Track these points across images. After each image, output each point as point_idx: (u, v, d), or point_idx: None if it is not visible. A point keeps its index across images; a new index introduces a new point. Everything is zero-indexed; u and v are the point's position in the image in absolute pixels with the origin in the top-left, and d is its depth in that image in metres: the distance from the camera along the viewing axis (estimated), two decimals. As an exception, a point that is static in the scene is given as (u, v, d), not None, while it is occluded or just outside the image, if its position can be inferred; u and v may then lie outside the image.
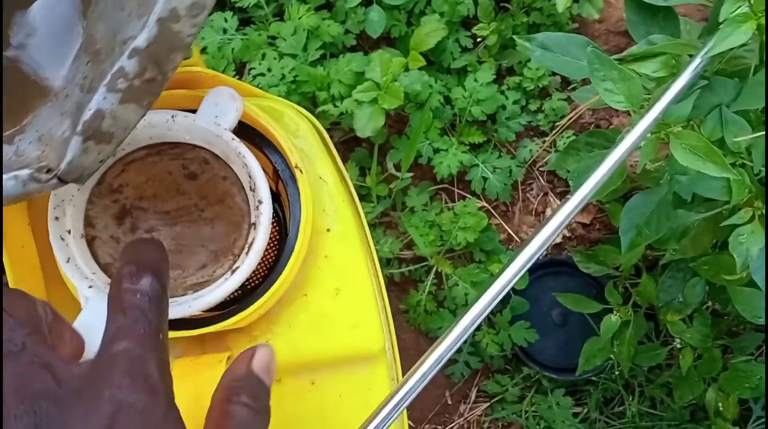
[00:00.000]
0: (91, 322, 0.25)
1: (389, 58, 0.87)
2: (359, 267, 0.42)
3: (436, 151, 0.92)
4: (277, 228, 0.46)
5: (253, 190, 0.36)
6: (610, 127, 0.96)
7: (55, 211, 0.33)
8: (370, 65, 0.86)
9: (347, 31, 0.95)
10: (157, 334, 0.22)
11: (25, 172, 0.23)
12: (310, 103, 0.92)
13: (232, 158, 0.37)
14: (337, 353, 0.41)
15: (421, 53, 0.91)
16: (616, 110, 0.96)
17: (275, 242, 0.45)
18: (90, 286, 0.32)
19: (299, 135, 0.43)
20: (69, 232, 0.33)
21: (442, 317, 0.89)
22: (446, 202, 0.95)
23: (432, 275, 0.90)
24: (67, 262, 0.32)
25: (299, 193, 0.39)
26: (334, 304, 0.41)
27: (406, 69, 0.90)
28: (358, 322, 0.41)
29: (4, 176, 0.23)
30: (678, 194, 0.52)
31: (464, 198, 0.94)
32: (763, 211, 0.51)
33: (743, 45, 0.45)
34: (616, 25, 0.96)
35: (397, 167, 0.92)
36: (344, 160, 0.95)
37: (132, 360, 0.21)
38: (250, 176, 0.36)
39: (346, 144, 0.97)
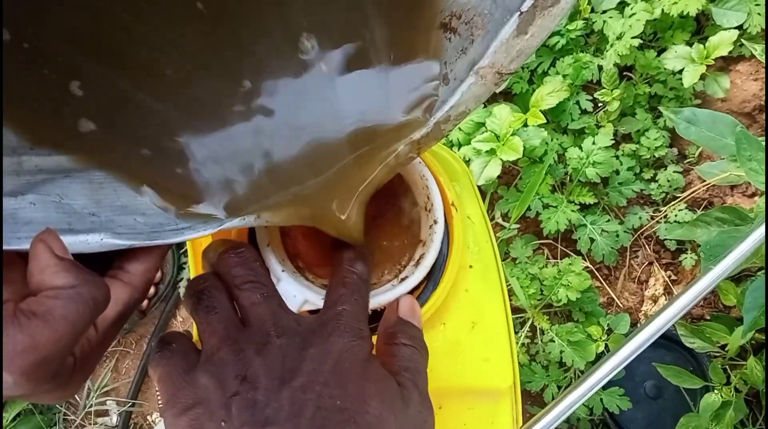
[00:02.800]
0: (283, 294, 0.32)
1: (510, 112, 0.90)
2: (496, 304, 0.45)
3: (546, 206, 0.93)
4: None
5: (428, 210, 0.39)
6: (723, 204, 0.95)
7: None
8: (491, 117, 0.90)
9: (471, 83, 0.99)
10: (365, 303, 0.30)
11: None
12: (428, 146, 0.96)
13: (415, 179, 0.40)
14: (468, 383, 0.43)
15: (540, 111, 0.94)
16: (731, 188, 0.95)
17: None
18: (282, 270, 0.36)
19: (455, 178, 0.47)
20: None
21: (533, 371, 0.89)
22: (548, 258, 0.96)
23: (527, 328, 0.90)
24: (267, 246, 0.37)
25: (450, 230, 0.42)
26: (470, 336, 0.43)
27: (525, 124, 0.93)
28: (491, 356, 0.43)
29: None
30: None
31: (567, 256, 0.95)
32: None
33: None
34: (740, 106, 0.96)
35: (504, 217, 0.94)
36: (453, 205, 0.98)
37: (350, 317, 0.28)
38: (428, 198, 0.39)
39: (456, 189, 1.00)
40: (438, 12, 0.31)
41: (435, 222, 0.40)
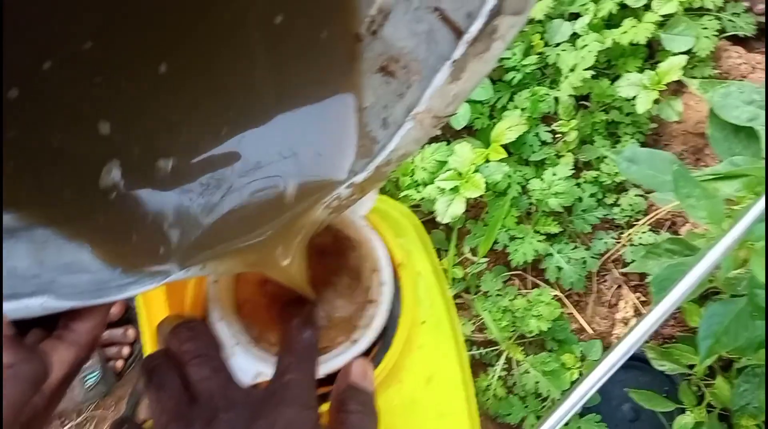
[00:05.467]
0: (236, 368, 0.33)
1: (471, 149, 0.92)
2: (450, 357, 0.46)
3: (512, 238, 0.95)
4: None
5: (377, 271, 0.41)
6: (686, 224, 0.97)
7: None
8: (453, 155, 0.92)
9: (433, 121, 1.02)
10: (312, 370, 0.31)
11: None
12: (394, 186, 0.98)
13: (362, 241, 0.42)
14: (426, 440, 0.44)
15: (501, 145, 0.96)
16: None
17: None
18: (236, 344, 0.37)
19: (403, 233, 0.48)
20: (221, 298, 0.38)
21: (510, 403, 0.90)
22: (519, 289, 0.98)
23: (503, 360, 0.92)
24: (220, 320, 0.38)
25: (400, 288, 0.44)
26: (426, 392, 0.44)
27: (487, 160, 0.95)
28: (447, 412, 0.44)
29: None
30: (757, 306, 0.54)
31: (538, 286, 0.96)
32: None
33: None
34: (695, 127, 0.99)
35: (473, 251, 0.96)
36: (423, 242, 1.00)
37: (297, 387, 0.29)
38: (375, 259, 0.40)
39: (425, 225, 1.02)
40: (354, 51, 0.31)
41: (383, 283, 0.41)
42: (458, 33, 0.26)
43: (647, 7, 1.01)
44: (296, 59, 0.32)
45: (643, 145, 1.01)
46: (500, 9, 0.24)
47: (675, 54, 0.97)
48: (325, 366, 0.38)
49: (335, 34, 0.32)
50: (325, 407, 0.40)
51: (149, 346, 0.44)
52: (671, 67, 0.93)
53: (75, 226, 0.29)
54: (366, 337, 0.39)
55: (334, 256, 0.43)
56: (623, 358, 0.49)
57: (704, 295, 0.88)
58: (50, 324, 0.29)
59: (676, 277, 0.50)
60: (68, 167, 0.29)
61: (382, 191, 0.96)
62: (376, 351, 0.48)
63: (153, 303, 0.45)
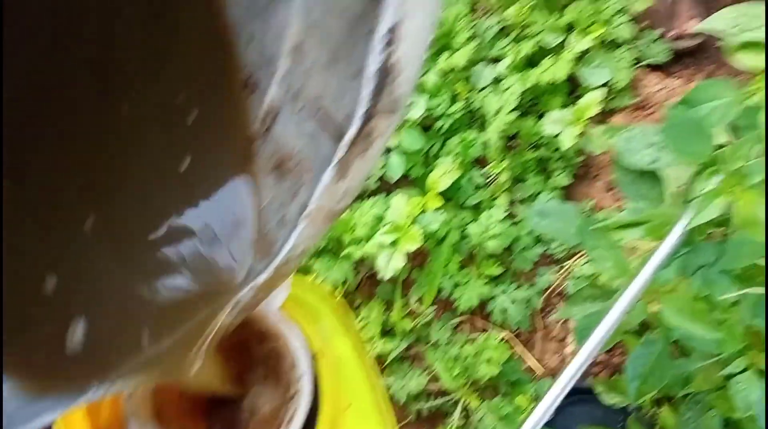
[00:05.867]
0: None
1: (407, 201, 0.93)
2: (377, 438, 0.46)
3: (457, 285, 0.96)
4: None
5: (294, 364, 0.41)
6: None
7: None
8: (390, 209, 0.93)
9: (369, 177, 1.03)
10: None
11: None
12: (336, 243, 0.98)
13: (278, 334, 0.42)
14: None
15: (438, 192, 0.97)
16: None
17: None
18: None
19: (319, 318, 0.49)
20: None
21: (470, 451, 0.90)
22: (470, 334, 0.98)
23: (459, 409, 0.92)
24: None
25: (319, 378, 0.44)
26: (354, 478, 0.44)
27: (425, 209, 0.96)
28: (378, 494, 0.44)
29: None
30: (675, 347, 0.55)
31: (486, 329, 0.97)
32: (762, 365, 0.54)
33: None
34: (622, 156, 1.02)
35: (421, 301, 0.96)
36: (370, 297, 1.00)
37: None
38: (291, 352, 0.41)
39: (371, 279, 1.03)
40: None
41: (301, 375, 0.41)
42: (339, 135, 0.27)
43: (564, 45, 1.04)
44: (196, 161, 0.33)
45: (574, 177, 1.04)
46: (374, 112, 0.24)
47: (594, 88, 1.01)
48: None
49: (230, 134, 0.33)
50: None
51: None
52: (590, 102, 0.96)
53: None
54: None
55: (253, 351, 0.43)
56: (547, 414, 0.49)
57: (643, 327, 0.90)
58: None
59: (594, 325, 0.52)
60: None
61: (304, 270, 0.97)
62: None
63: (73, 423, 0.44)
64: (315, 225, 0.29)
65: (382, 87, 0.23)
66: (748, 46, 0.48)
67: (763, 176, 0.49)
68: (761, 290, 0.52)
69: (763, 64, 0.48)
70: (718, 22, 0.47)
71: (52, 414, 0.29)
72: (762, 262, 0.52)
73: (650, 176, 0.60)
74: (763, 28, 0.47)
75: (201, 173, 0.33)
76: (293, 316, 0.45)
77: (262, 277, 0.30)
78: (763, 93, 0.50)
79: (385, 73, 0.23)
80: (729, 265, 0.51)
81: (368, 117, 0.25)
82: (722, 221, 0.56)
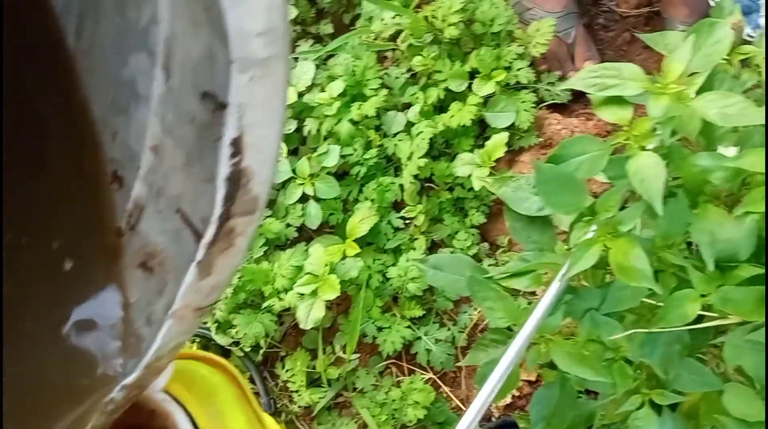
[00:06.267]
0: None
1: (324, 250, 0.94)
2: None
3: (380, 329, 0.97)
4: None
5: None
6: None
7: None
8: (309, 259, 0.94)
9: (288, 225, 1.04)
10: None
11: None
12: (259, 297, 0.98)
13: (166, 415, 0.41)
14: None
15: (358, 238, 0.98)
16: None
17: None
18: None
19: (211, 392, 0.48)
20: None
21: (402, 498, 0.90)
22: (397, 376, 0.99)
23: (388, 455, 0.92)
24: None
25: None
26: None
27: (344, 256, 0.97)
28: None
29: None
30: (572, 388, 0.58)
31: (413, 372, 0.98)
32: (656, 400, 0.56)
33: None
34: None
35: (345, 349, 0.97)
36: (295, 346, 1.00)
37: None
38: None
39: (297, 329, 1.02)
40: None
41: None
42: (198, 236, 0.27)
43: (471, 89, 1.08)
44: (60, 254, 0.33)
45: (489, 215, 1.07)
46: (229, 214, 0.25)
47: (500, 130, 1.05)
48: None
49: (97, 228, 0.33)
50: None
51: None
52: (496, 144, 1.00)
53: None
54: None
55: None
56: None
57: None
58: None
59: (490, 372, 0.53)
60: None
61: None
62: None
63: None
64: (183, 322, 0.29)
65: (235, 191, 0.24)
66: (609, 101, 0.52)
67: (633, 224, 0.52)
68: (646, 330, 0.55)
69: (625, 118, 0.52)
70: (579, 83, 0.51)
71: None
72: (646, 300, 0.55)
73: (540, 222, 0.62)
74: (619, 87, 0.50)
75: (69, 273, 0.33)
76: (181, 393, 0.44)
77: (132, 377, 0.30)
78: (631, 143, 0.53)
79: (236, 179, 0.24)
80: (613, 307, 0.54)
81: (224, 219, 0.25)
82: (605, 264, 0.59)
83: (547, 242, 0.61)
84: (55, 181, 0.35)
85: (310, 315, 0.90)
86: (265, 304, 0.95)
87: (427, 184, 1.08)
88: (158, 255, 0.32)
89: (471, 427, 0.51)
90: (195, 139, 0.28)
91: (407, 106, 1.11)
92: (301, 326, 0.90)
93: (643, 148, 0.51)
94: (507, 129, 1.05)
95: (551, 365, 0.84)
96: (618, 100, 0.53)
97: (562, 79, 1.15)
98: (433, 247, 1.05)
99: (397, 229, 1.04)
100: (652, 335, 0.55)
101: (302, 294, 0.91)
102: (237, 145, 0.23)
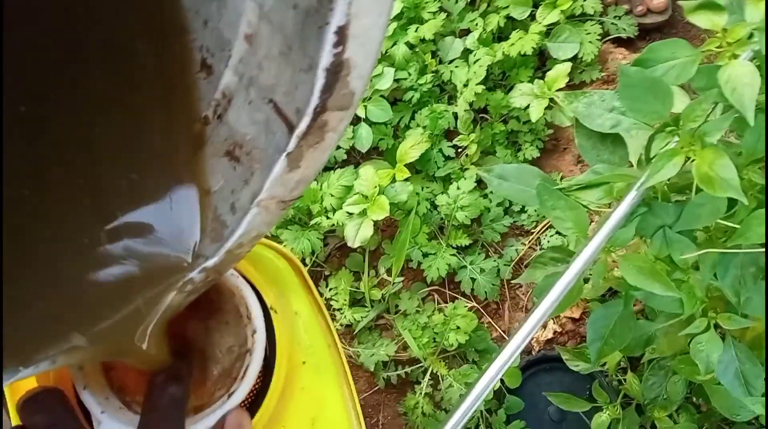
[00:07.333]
0: None
1: (375, 172, 0.93)
2: (334, 397, 0.46)
3: (426, 255, 0.96)
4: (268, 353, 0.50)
5: (249, 319, 0.41)
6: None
7: None
8: (359, 179, 0.93)
9: (338, 147, 1.02)
10: (177, 427, 0.30)
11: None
12: (306, 214, 0.98)
13: (233, 291, 0.41)
14: (313, 483, 0.44)
15: (408, 164, 0.97)
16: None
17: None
18: (102, 412, 0.36)
19: (276, 274, 0.48)
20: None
21: (438, 419, 0.90)
22: (439, 303, 0.99)
23: (428, 377, 0.92)
24: (84, 389, 0.36)
25: (275, 333, 0.43)
26: (310, 434, 0.44)
27: (394, 180, 0.96)
28: (335, 451, 0.45)
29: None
30: (636, 307, 0.56)
31: (455, 299, 0.97)
32: (722, 325, 0.55)
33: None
34: (589, 129, 1.02)
35: (390, 272, 0.97)
36: (339, 267, 1.00)
37: None
38: (247, 308, 0.40)
39: (341, 250, 1.02)
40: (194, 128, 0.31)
41: (256, 330, 0.41)
42: (291, 127, 0.26)
43: (533, 18, 1.04)
44: (146, 141, 0.32)
45: (543, 151, 1.04)
46: (325, 106, 0.24)
47: (562, 61, 1.01)
48: (204, 423, 0.38)
49: (182, 116, 0.32)
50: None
51: (15, 421, 0.43)
52: (558, 75, 0.96)
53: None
54: (242, 389, 0.39)
55: (207, 308, 0.43)
56: (501, 371, 0.50)
57: (615, 292, 0.91)
58: None
59: (552, 286, 0.52)
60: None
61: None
62: (254, 399, 0.48)
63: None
64: (267, 212, 0.29)
65: (333, 83, 0.23)
66: (702, 6, 0.49)
67: (720, 135, 0.49)
68: (721, 250, 0.53)
69: (719, 24, 0.49)
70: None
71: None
72: (721, 221, 0.53)
73: (611, 140, 0.60)
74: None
75: (153, 151, 0.32)
76: (249, 271, 0.44)
77: (213, 261, 0.30)
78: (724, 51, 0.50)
79: (336, 70, 0.23)
80: (688, 225, 0.52)
81: (319, 112, 0.24)
82: (685, 186, 0.57)
83: (618, 162, 0.59)
84: (140, 69, 0.33)
85: (359, 234, 0.89)
86: (312, 222, 0.94)
87: (480, 115, 1.06)
88: (246, 145, 0.31)
89: (531, 334, 0.50)
90: (295, 26, 0.26)
91: (465, 32, 1.07)
92: (349, 244, 0.90)
93: (736, 57, 0.48)
94: (569, 61, 1.01)
95: (601, 300, 0.83)
96: (712, 5, 0.50)
97: (629, 13, 1.10)
98: (481, 180, 1.03)
99: (447, 158, 1.02)
100: (726, 256, 0.53)
101: (351, 213, 0.91)
102: (341, 34, 0.22)
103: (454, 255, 0.96)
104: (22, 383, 0.44)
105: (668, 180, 0.54)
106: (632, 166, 0.59)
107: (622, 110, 0.60)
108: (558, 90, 0.97)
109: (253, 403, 0.43)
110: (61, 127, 0.30)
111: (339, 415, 0.45)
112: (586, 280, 0.62)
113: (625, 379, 0.87)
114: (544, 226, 0.97)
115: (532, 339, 0.96)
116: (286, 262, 0.50)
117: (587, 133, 0.60)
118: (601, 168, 0.55)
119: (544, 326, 0.96)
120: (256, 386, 0.48)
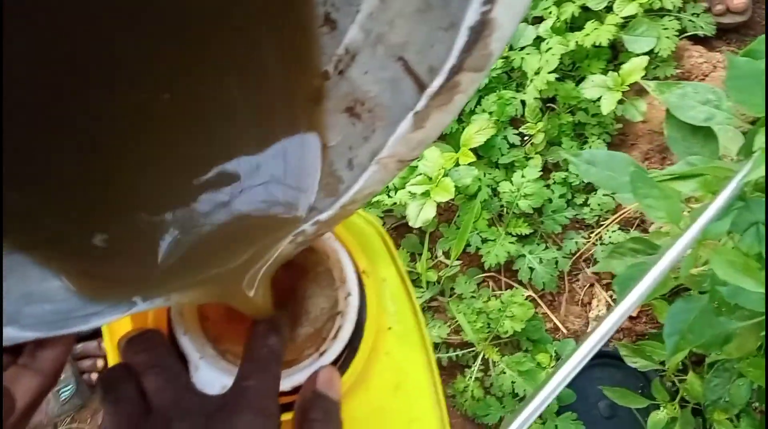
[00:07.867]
0: (203, 382, 0.33)
1: (441, 154, 0.93)
2: (417, 364, 0.46)
3: (484, 240, 0.96)
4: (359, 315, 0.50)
5: (343, 282, 0.41)
6: (654, 222, 0.99)
7: None
8: (423, 161, 0.93)
9: (402, 127, 1.02)
10: (275, 377, 0.30)
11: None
12: (366, 192, 0.98)
13: (328, 253, 0.42)
14: (395, 447, 0.44)
15: (471, 149, 0.96)
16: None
17: None
18: (200, 357, 0.37)
19: (366, 241, 0.49)
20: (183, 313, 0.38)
21: (488, 404, 0.90)
22: (493, 290, 0.98)
23: (479, 361, 0.92)
24: (184, 334, 0.37)
25: (365, 297, 0.44)
26: (394, 399, 0.45)
27: (457, 164, 0.95)
28: (416, 417, 0.45)
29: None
30: (723, 302, 0.55)
31: (511, 287, 0.97)
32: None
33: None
34: (660, 126, 1.01)
35: (447, 255, 0.97)
36: (396, 247, 1.00)
37: (255, 394, 0.29)
38: (341, 271, 0.41)
39: (398, 230, 1.03)
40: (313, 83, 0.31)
41: (349, 293, 0.41)
42: (421, 85, 0.26)
43: (609, 9, 1.02)
44: (266, 93, 0.33)
45: (610, 145, 1.03)
46: (461, 66, 0.24)
47: (637, 55, 0.99)
48: (292, 379, 0.39)
49: (303, 70, 0.32)
50: (288, 416, 0.40)
51: (112, 360, 0.44)
52: (633, 68, 0.95)
53: (50, 252, 0.29)
54: (333, 349, 0.40)
55: (301, 269, 0.44)
56: (586, 358, 0.49)
57: (675, 292, 0.89)
58: (17, 349, 0.29)
59: (638, 276, 0.51)
60: (57, 189, 0.29)
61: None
62: (343, 359, 0.49)
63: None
64: (386, 171, 0.28)
65: (474, 42, 0.23)
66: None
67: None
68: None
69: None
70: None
71: (103, 319, 0.29)
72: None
73: (703, 133, 0.59)
74: None
75: (273, 105, 0.33)
76: (344, 235, 0.45)
77: (326, 214, 0.30)
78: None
79: (479, 29, 0.22)
80: (783, 222, 0.51)
81: (455, 71, 0.24)
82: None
83: (708, 155, 0.58)
84: (259, 21, 0.34)
85: (421, 214, 0.89)
86: (373, 199, 0.95)
87: (548, 105, 1.05)
88: (368, 102, 0.31)
89: (619, 323, 0.49)
90: (441, -19, 0.26)
91: (538, 20, 1.06)
92: (410, 224, 0.90)
93: None
94: (645, 55, 0.99)
95: (666, 298, 0.81)
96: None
97: (708, 11, 1.08)
98: (545, 170, 1.02)
99: (512, 146, 1.02)
100: (821, 258, 0.52)
101: (414, 193, 0.91)
102: (492, -8, 0.22)
103: (512, 243, 0.95)
104: (119, 324, 0.45)
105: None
106: (720, 160, 0.58)
107: (716, 103, 0.59)
108: (630, 85, 0.96)
109: (340, 364, 0.43)
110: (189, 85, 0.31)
111: (421, 383, 0.46)
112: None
113: (681, 380, 0.86)
114: (613, 220, 0.96)
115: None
116: (374, 229, 0.50)
117: (678, 124, 0.59)
118: (694, 159, 0.54)
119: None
120: (345, 347, 0.49)
